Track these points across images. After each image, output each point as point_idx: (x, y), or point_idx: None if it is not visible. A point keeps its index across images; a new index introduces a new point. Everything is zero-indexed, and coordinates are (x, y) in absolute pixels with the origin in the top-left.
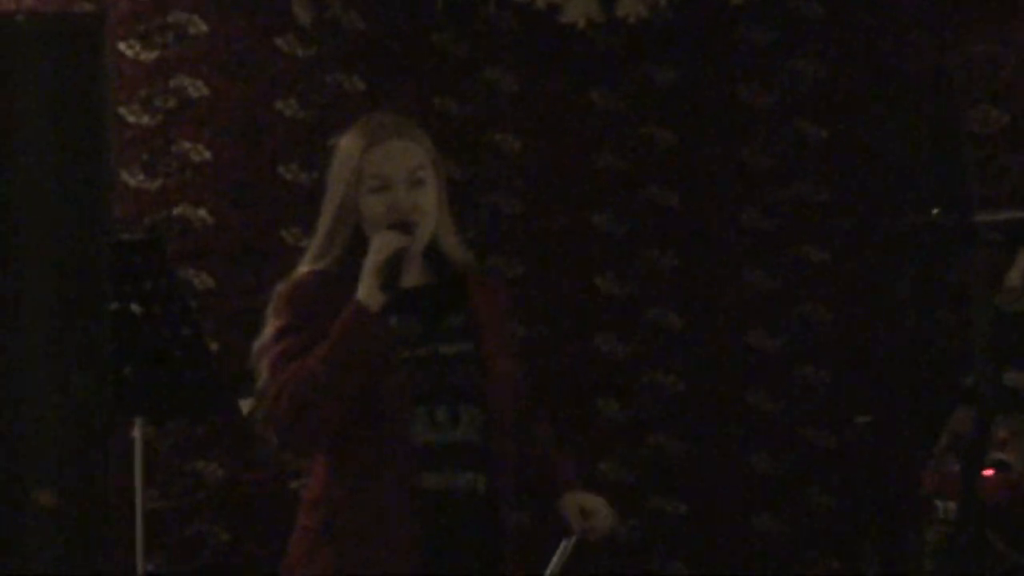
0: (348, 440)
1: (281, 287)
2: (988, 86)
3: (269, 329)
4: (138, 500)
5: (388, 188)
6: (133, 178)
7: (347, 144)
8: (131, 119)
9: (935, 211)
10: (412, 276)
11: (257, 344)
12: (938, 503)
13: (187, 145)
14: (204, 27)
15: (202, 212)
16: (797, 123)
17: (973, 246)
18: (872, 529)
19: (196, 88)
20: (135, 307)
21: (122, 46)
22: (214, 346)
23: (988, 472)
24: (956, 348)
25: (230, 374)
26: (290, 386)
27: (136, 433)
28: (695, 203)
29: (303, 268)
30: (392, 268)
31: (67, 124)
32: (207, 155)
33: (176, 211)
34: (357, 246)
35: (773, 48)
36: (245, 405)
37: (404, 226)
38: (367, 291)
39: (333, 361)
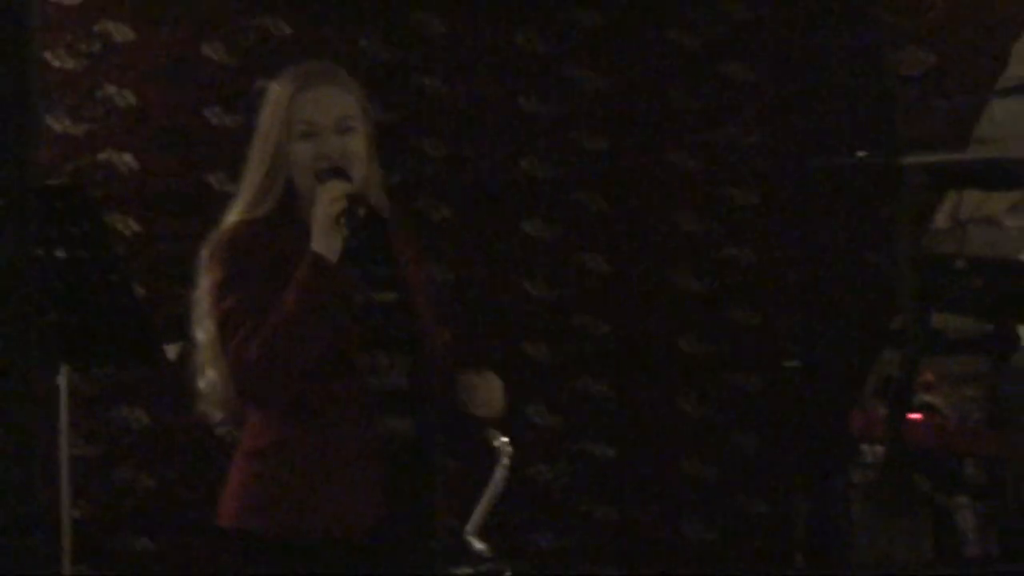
0: (306, 388)
1: (216, 237)
2: (915, 27)
3: (207, 282)
4: (63, 446)
5: (316, 134)
6: (58, 123)
7: (276, 91)
8: (56, 63)
9: (862, 153)
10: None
11: (195, 294)
12: (865, 446)
13: (112, 90)
14: None
15: (127, 157)
16: (725, 65)
17: (900, 188)
18: (800, 472)
19: (121, 32)
20: (60, 253)
21: None
22: (140, 292)
23: (915, 415)
24: (883, 291)
25: (156, 320)
26: (258, 342)
27: (61, 380)
28: (623, 146)
29: (234, 217)
30: (351, 217)
31: None
32: (132, 100)
33: (102, 156)
34: (289, 194)
35: None
36: (171, 351)
37: (338, 172)
38: (325, 242)
39: (300, 316)
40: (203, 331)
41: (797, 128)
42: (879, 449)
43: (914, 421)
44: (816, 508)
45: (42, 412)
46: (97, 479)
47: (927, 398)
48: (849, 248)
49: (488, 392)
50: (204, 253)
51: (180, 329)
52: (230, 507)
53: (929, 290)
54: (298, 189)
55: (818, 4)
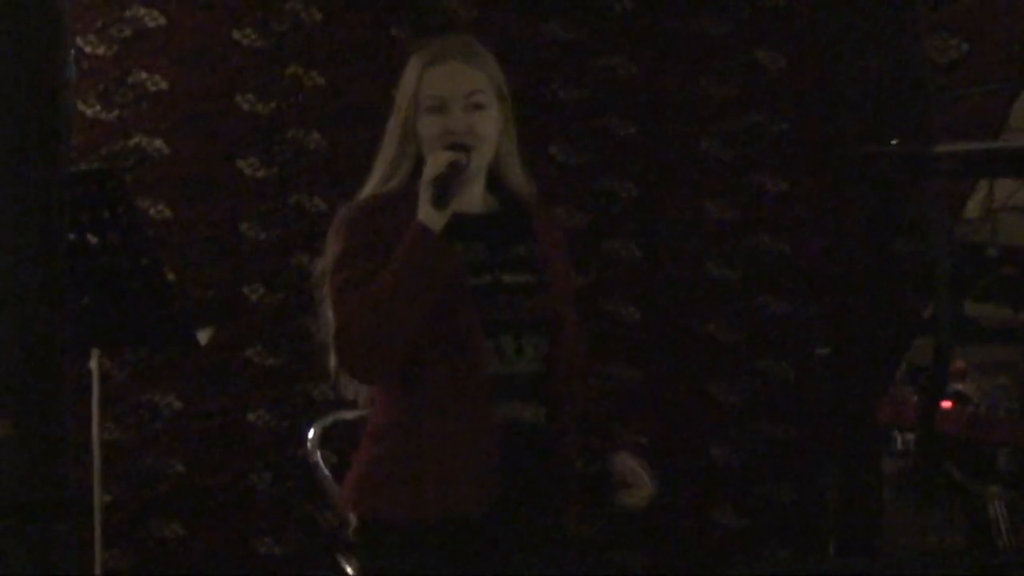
0: (421, 369)
1: (342, 211)
2: (948, 15)
3: (329, 254)
4: (95, 431)
5: (444, 109)
6: (90, 108)
7: (410, 64)
8: (88, 49)
9: (893, 141)
10: (475, 204)
11: (317, 267)
12: (896, 434)
13: (143, 75)
14: None
15: (158, 142)
16: (755, 52)
17: (931, 177)
18: (831, 460)
19: (152, 17)
20: (92, 237)
21: None
22: (171, 276)
23: (946, 403)
24: (915, 279)
25: (187, 304)
26: (357, 313)
27: (93, 364)
28: (653, 133)
29: (364, 191)
30: (445, 184)
31: (26, 55)
32: (163, 85)
33: (132, 141)
34: (418, 168)
35: None
36: (202, 335)
37: (458, 146)
38: (425, 210)
39: (399, 285)
40: (328, 306)
41: (828, 116)
42: (910, 437)
43: (945, 409)
44: (847, 496)
45: (74, 396)
46: (128, 464)
47: (958, 386)
48: (880, 236)
49: (637, 491)
50: (332, 227)
51: (211, 313)
52: (349, 491)
53: (961, 278)
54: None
55: None
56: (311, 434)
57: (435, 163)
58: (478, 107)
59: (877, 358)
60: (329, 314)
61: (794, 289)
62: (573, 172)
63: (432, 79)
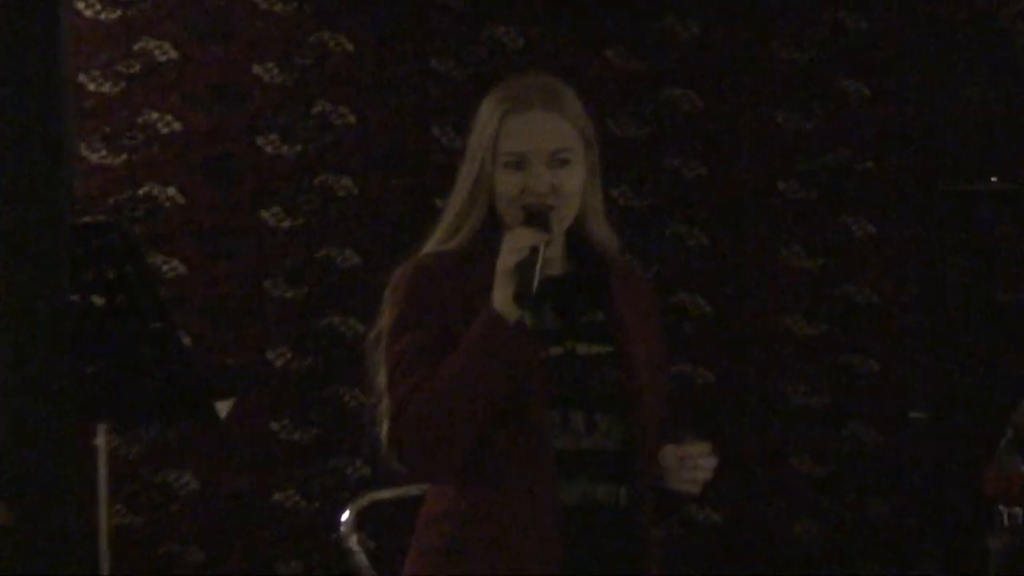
0: (481, 448)
1: (401, 269)
2: None
3: (386, 318)
4: (102, 515)
5: (525, 165)
6: (94, 153)
7: (486, 108)
8: (91, 87)
9: (993, 179)
10: (553, 265)
11: (373, 332)
12: (1001, 508)
13: (154, 115)
14: None
15: (172, 190)
16: (836, 81)
17: None
18: (930, 538)
19: (163, 51)
20: (97, 298)
21: (81, 5)
22: (187, 340)
23: None
24: (1018, 331)
25: (205, 372)
26: (417, 404)
27: (100, 440)
28: (724, 174)
29: (429, 247)
30: (528, 275)
31: (21, 94)
32: (176, 126)
33: (143, 190)
34: (490, 225)
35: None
36: (222, 407)
37: (540, 217)
38: (502, 298)
39: (466, 377)
40: (383, 375)
41: (918, 151)
42: (1017, 511)
43: None
44: (952, 574)
45: (79, 477)
46: (140, 551)
47: None
48: (979, 284)
49: (697, 469)
50: (389, 287)
51: (232, 382)
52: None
53: None
54: (501, 219)
55: (943, 15)
56: (345, 517)
57: (514, 244)
58: (563, 164)
59: (978, 422)
60: (382, 382)
61: (884, 345)
62: (635, 217)
63: (512, 131)
